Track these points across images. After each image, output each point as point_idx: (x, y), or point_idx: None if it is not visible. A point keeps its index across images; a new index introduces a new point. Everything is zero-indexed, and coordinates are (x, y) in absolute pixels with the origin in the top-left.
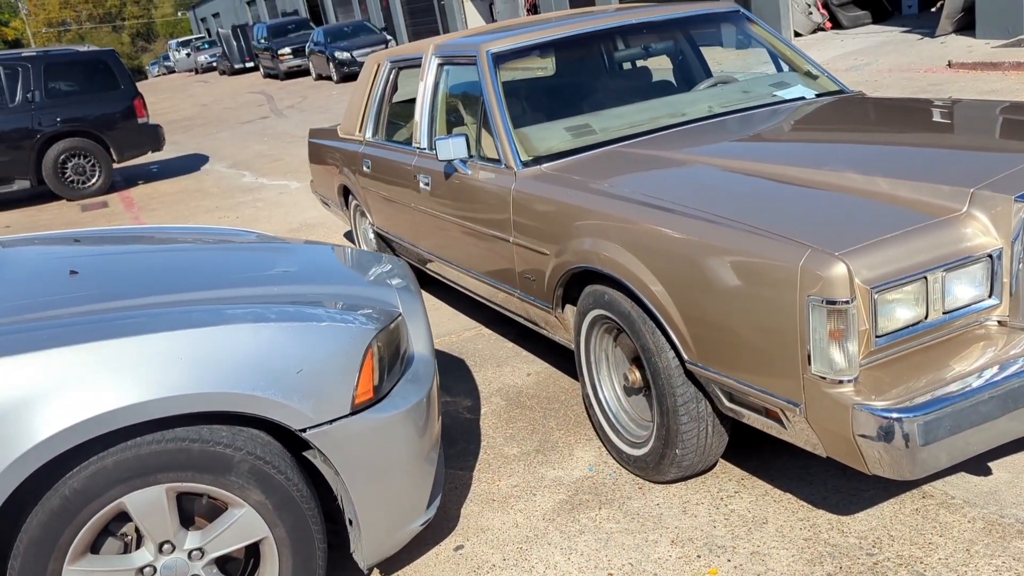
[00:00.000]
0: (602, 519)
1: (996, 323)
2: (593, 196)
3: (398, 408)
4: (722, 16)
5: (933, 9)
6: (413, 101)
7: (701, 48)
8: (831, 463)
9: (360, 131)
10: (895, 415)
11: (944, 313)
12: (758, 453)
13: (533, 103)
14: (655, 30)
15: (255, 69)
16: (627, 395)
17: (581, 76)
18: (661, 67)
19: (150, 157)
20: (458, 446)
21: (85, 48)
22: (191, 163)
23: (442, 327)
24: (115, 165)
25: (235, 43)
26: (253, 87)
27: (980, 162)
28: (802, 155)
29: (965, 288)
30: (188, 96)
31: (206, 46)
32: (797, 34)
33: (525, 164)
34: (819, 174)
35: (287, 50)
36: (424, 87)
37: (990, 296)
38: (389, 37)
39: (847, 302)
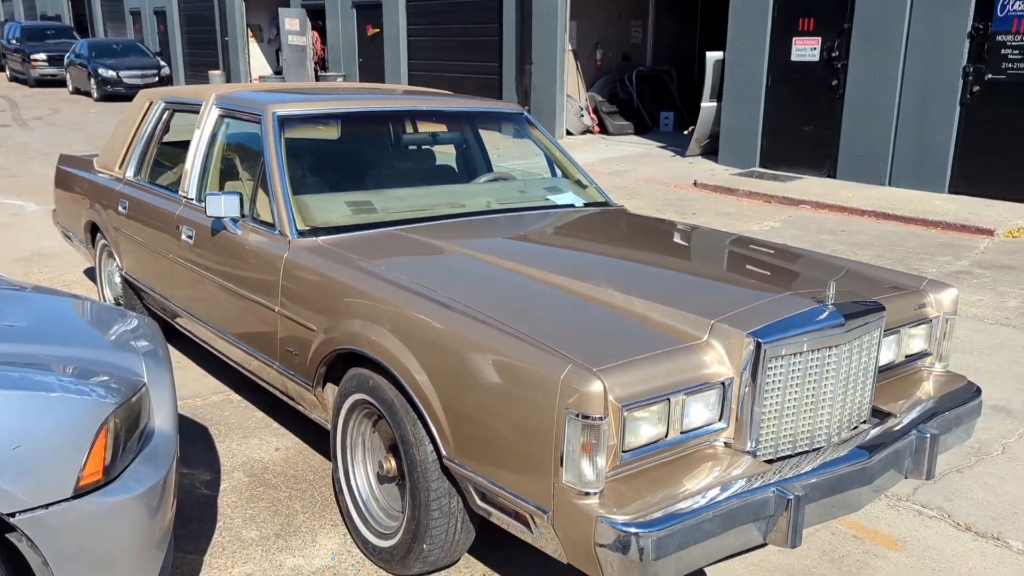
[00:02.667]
0: None
1: (723, 444)
2: (367, 277)
3: (130, 492)
4: (507, 116)
5: (686, 132)
6: (184, 145)
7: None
8: (571, 568)
9: (121, 168)
10: (633, 529)
11: (681, 433)
12: (505, 548)
13: (316, 170)
14: (446, 119)
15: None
16: (380, 483)
17: (368, 152)
18: (444, 152)
19: None
20: (191, 526)
21: None
22: None
23: (187, 388)
24: None
25: None
26: (2, 90)
27: (722, 295)
28: (569, 265)
29: (700, 411)
30: None
31: None
32: (569, 132)
33: (301, 233)
34: (584, 287)
35: (42, 56)
36: (200, 135)
37: (720, 420)
38: (163, 64)
39: (601, 418)
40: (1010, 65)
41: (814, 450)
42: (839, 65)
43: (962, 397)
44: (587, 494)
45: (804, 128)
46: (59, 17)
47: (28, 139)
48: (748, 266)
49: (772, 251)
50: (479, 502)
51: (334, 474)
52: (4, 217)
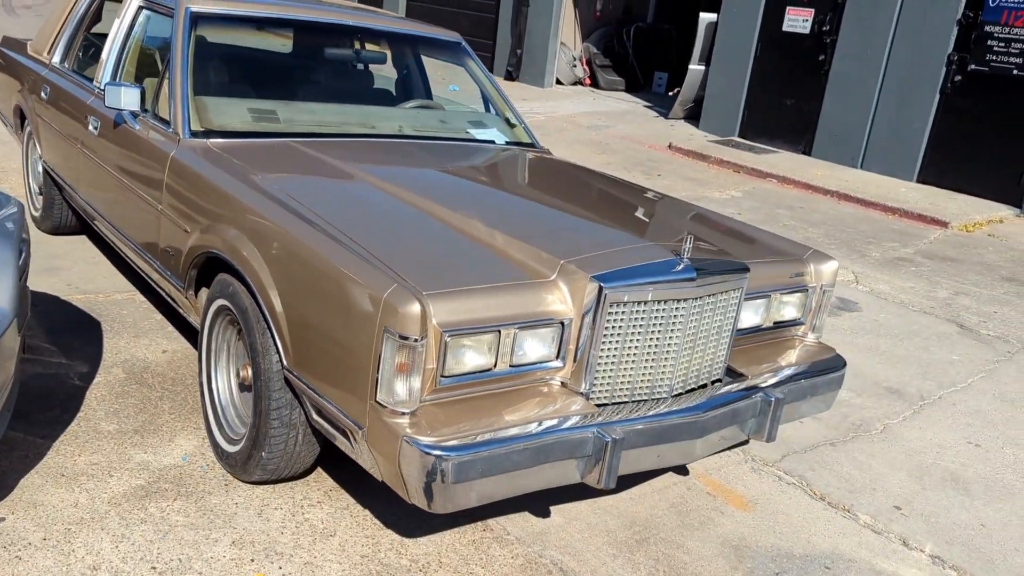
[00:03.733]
0: (171, 511)
1: (559, 384)
2: (239, 183)
3: None
4: (443, 43)
5: (670, 94)
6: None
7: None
8: None
9: (49, 53)
10: (437, 452)
11: (511, 366)
12: (354, 467)
13: (226, 73)
14: (375, 38)
15: None
16: (240, 391)
17: (286, 61)
18: (386, 75)
19: None
20: (51, 412)
21: None
22: None
23: (93, 284)
24: None
25: None
26: None
27: (585, 238)
28: (450, 195)
29: (535, 347)
30: None
31: None
32: (559, 82)
33: (193, 134)
34: (454, 216)
35: None
36: (119, 25)
37: (557, 359)
38: None
39: (417, 339)
40: (994, 57)
41: (653, 400)
42: (828, 40)
43: (823, 368)
44: (398, 413)
45: (787, 101)
46: None
47: (10, 27)
48: (631, 215)
49: (667, 205)
50: (315, 416)
51: (199, 378)
52: None
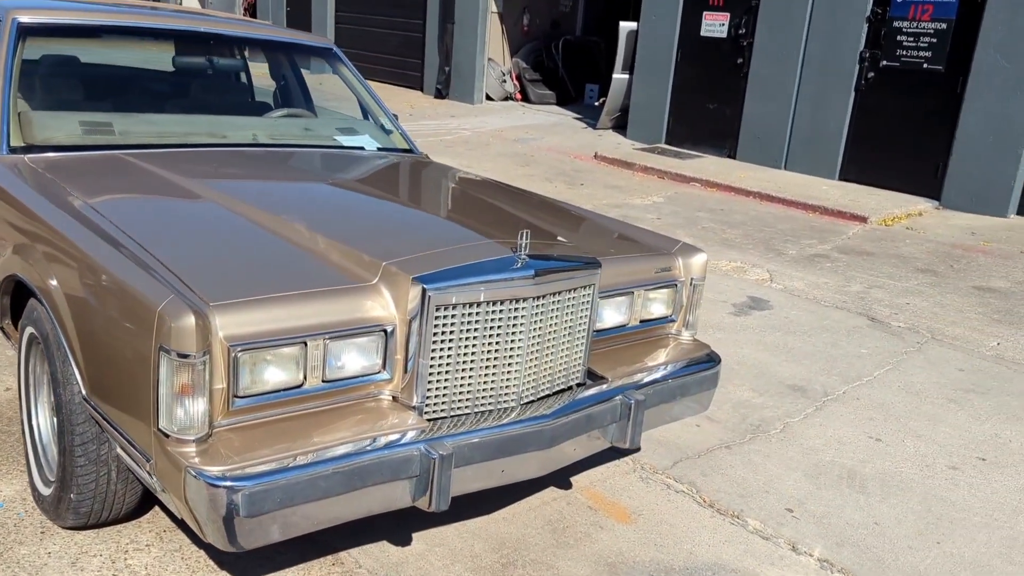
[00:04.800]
0: None
1: (390, 398)
2: (42, 199)
3: None
4: (314, 49)
5: (596, 103)
6: None
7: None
8: None
9: None
10: (226, 483)
11: (325, 381)
12: None
13: (61, 85)
14: (232, 44)
15: None
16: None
17: (133, 72)
18: (265, 87)
19: None
20: None
21: None
22: None
23: None
24: None
25: None
26: None
27: (416, 238)
28: (280, 200)
29: (354, 359)
30: None
31: None
32: (489, 98)
33: (12, 150)
34: (276, 221)
35: None
36: None
37: (383, 370)
38: None
39: (195, 356)
40: (904, 52)
41: (500, 410)
42: (745, 43)
43: (694, 367)
44: (184, 441)
45: (709, 106)
46: None
47: None
48: (479, 214)
49: (528, 204)
50: (118, 450)
51: (20, 415)
52: None
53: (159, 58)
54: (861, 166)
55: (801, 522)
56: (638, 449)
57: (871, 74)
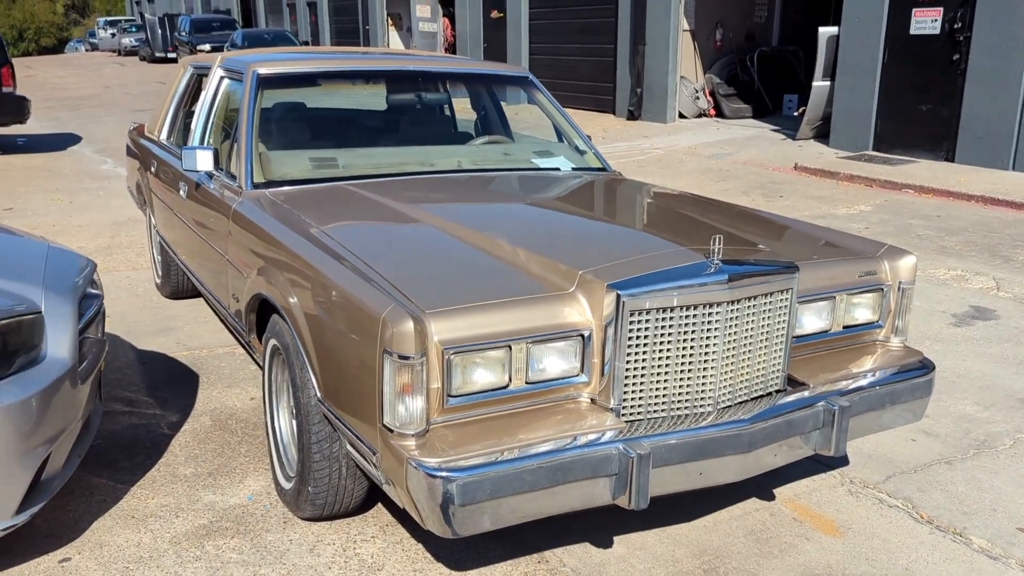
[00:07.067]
0: (226, 548)
1: (588, 400)
2: (281, 225)
3: None
4: (511, 79)
5: (796, 113)
6: None
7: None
8: None
9: (158, 131)
10: (442, 474)
11: (528, 383)
12: None
13: (294, 127)
14: (439, 79)
15: (176, 60)
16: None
17: (353, 112)
18: (467, 116)
19: (19, 129)
20: (136, 460)
21: None
22: (60, 141)
23: (199, 341)
24: None
25: (160, 31)
26: (165, 77)
27: (612, 247)
28: (486, 218)
29: (555, 362)
30: (97, 76)
31: (133, 29)
32: (682, 115)
33: (256, 186)
34: (482, 237)
35: (207, 47)
36: (205, 95)
37: (582, 373)
38: None
39: (414, 358)
40: None
41: (696, 414)
42: (961, 38)
43: (904, 373)
44: (405, 436)
45: (921, 108)
46: (229, 11)
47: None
48: (673, 224)
49: (723, 213)
50: (348, 446)
51: (264, 418)
52: (119, 186)
53: (372, 97)
54: None
55: None
56: (844, 459)
57: None
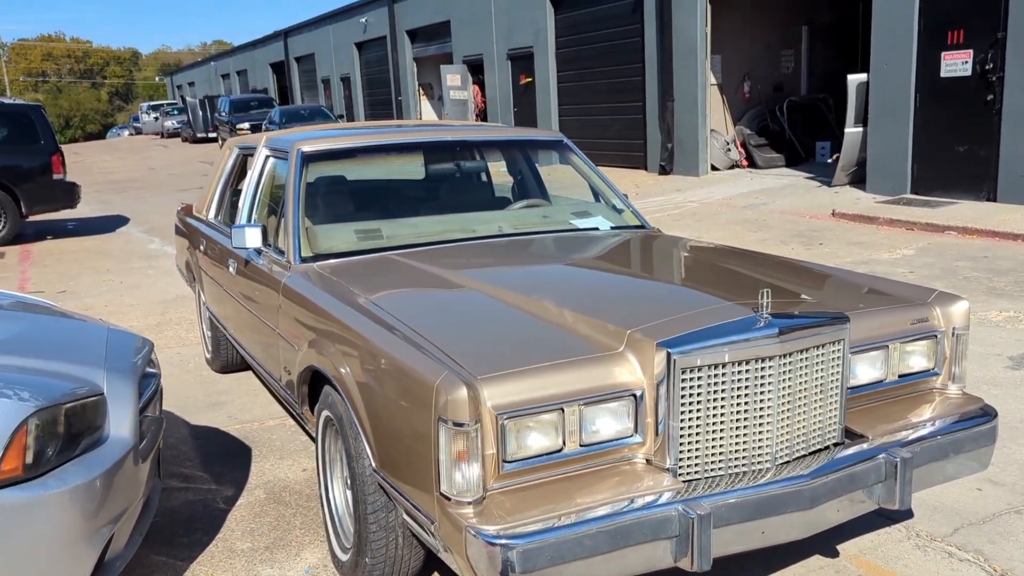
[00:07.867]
0: None
1: (644, 461)
2: (330, 297)
3: (48, 489)
4: (545, 143)
5: (829, 161)
6: None
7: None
8: None
9: (206, 210)
10: (502, 541)
11: (582, 446)
12: None
13: (338, 200)
14: (476, 148)
15: (216, 139)
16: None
17: (395, 183)
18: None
19: (69, 213)
20: (195, 535)
21: (10, 100)
22: (109, 224)
23: (250, 414)
24: (27, 218)
25: (200, 112)
26: (207, 156)
27: (659, 305)
28: (529, 281)
29: (608, 423)
30: (143, 158)
31: (175, 112)
32: (714, 168)
33: (304, 260)
34: (527, 300)
35: (245, 125)
36: (251, 174)
37: (635, 434)
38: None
39: (468, 424)
40: None
41: (754, 471)
42: (994, 78)
43: (965, 421)
44: (463, 504)
45: (958, 149)
46: (266, 90)
47: None
48: (718, 279)
49: (768, 265)
50: (404, 516)
51: (319, 490)
52: (168, 264)
53: (409, 166)
54: None
55: None
56: (909, 512)
57: None
